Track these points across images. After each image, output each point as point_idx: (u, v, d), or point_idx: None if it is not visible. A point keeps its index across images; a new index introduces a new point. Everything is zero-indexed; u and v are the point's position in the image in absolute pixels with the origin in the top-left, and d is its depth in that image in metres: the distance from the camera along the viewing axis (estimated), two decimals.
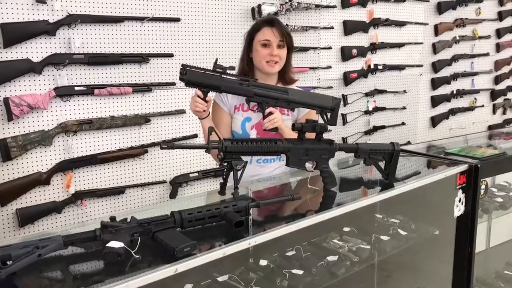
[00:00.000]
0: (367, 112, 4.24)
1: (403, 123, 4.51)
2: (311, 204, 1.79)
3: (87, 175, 2.90)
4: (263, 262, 1.73)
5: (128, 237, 1.24)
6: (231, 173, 1.59)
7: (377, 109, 4.29)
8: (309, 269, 1.79)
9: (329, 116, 2.01)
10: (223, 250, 1.30)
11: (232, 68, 1.90)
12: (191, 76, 1.84)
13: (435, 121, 4.84)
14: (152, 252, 1.25)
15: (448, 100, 4.88)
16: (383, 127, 4.35)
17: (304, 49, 3.72)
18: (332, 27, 3.85)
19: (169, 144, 1.48)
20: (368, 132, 4.28)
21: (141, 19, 2.96)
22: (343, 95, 4.05)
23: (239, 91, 1.94)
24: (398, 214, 2.21)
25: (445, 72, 4.82)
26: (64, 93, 2.73)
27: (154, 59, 3.04)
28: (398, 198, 1.90)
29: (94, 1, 2.79)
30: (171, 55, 3.09)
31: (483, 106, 5.23)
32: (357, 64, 4.11)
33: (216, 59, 1.87)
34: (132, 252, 1.20)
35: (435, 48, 4.67)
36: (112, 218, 1.29)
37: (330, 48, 3.88)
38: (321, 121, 1.89)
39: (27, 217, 2.69)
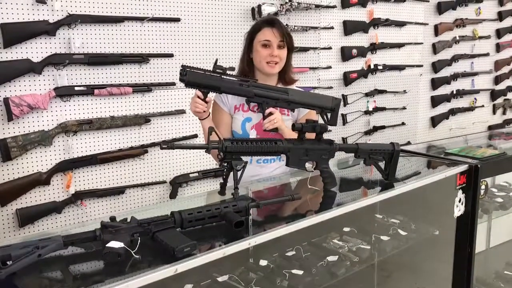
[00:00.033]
0: (367, 112, 4.24)
1: (403, 123, 4.51)
2: (311, 204, 1.79)
3: (87, 175, 2.90)
4: (263, 262, 1.73)
5: (128, 237, 1.24)
6: (231, 173, 1.59)
7: (377, 109, 4.29)
8: (309, 269, 1.79)
9: (329, 116, 2.01)
10: (223, 250, 1.30)
11: (232, 68, 1.90)
12: (191, 77, 1.84)
13: (435, 121, 4.84)
14: (152, 252, 1.25)
15: (448, 100, 4.88)
16: (383, 127, 4.35)
17: (304, 49, 3.72)
18: (332, 27, 3.86)
19: (169, 144, 1.48)
20: (368, 132, 4.28)
21: (141, 19, 2.96)
22: (343, 95, 4.05)
23: (239, 91, 1.94)
24: (398, 214, 2.21)
25: (445, 72, 4.82)
26: (64, 93, 2.73)
27: (154, 59, 3.04)
28: (398, 198, 1.90)
29: (94, 1, 2.79)
30: (171, 55, 3.09)
31: (483, 106, 5.23)
32: (357, 64, 4.11)
33: (216, 60, 1.87)
34: (132, 252, 1.20)
35: (435, 48, 4.67)
36: (112, 218, 1.29)
37: (330, 48, 3.88)
38: (321, 121, 1.89)
39: (27, 217, 2.69)
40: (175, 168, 3.23)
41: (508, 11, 5.19)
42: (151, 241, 1.28)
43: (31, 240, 1.20)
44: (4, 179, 2.63)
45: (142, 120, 3.01)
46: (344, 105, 4.07)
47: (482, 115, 5.27)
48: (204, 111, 1.96)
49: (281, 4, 3.50)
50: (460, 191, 2.17)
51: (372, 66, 4.17)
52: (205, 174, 3.30)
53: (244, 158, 1.63)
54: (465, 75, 4.96)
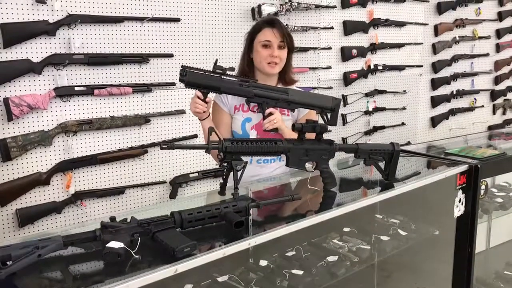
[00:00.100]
0: (367, 113, 4.24)
1: (403, 124, 4.51)
2: (311, 205, 1.79)
3: (87, 175, 2.90)
4: (263, 263, 1.73)
5: (128, 238, 1.24)
6: (231, 173, 1.59)
7: (377, 109, 4.29)
8: (309, 270, 1.79)
9: (329, 117, 2.01)
10: (223, 251, 1.30)
11: (232, 69, 1.90)
12: (191, 77, 1.84)
13: (435, 122, 4.84)
14: (152, 253, 1.25)
15: (448, 101, 4.88)
16: (383, 127, 4.35)
17: (304, 50, 3.72)
18: (332, 28, 3.85)
19: (169, 144, 1.48)
20: (368, 133, 4.28)
21: (141, 19, 2.96)
22: (343, 96, 4.05)
23: (239, 92, 1.94)
24: (398, 215, 2.21)
25: (445, 72, 4.82)
26: (64, 93, 2.73)
27: (154, 59, 3.04)
28: (398, 199, 1.90)
29: (94, 1, 2.79)
30: (171, 55, 3.09)
31: (483, 106, 5.23)
32: (357, 64, 4.11)
33: (216, 60, 1.88)
34: (132, 252, 1.20)
35: (435, 49, 4.67)
36: (112, 218, 1.29)
37: (330, 48, 3.88)
38: (321, 121, 1.89)
39: (27, 217, 2.69)
40: (175, 168, 3.23)
41: (508, 11, 5.19)
42: (151, 241, 1.28)
43: (31, 240, 1.20)
44: (4, 179, 2.63)
45: (142, 120, 3.01)
46: (344, 105, 4.07)
47: (482, 115, 5.27)
48: (204, 112, 1.96)
49: (281, 4, 3.50)
50: (460, 191, 2.17)
51: (372, 66, 4.17)
52: (205, 174, 3.29)
53: (244, 158, 1.63)
54: (465, 75, 4.96)
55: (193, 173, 3.26)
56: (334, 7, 3.81)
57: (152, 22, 3.01)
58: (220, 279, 1.63)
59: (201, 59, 3.19)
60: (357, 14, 4.04)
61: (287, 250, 1.83)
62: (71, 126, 2.78)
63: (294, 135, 1.79)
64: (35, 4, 2.61)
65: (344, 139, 4.13)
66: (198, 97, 1.91)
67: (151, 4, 2.99)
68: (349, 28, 3.98)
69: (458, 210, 2.18)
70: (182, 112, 3.17)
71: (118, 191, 2.99)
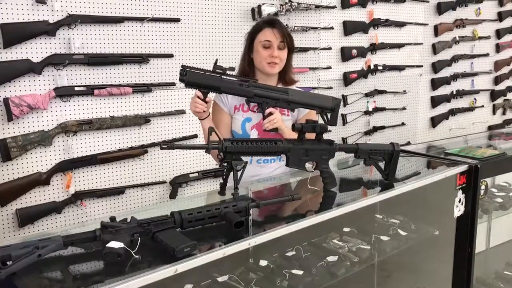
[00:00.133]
0: (367, 113, 4.24)
1: (403, 124, 4.51)
2: (311, 205, 1.79)
3: (87, 175, 2.90)
4: (263, 263, 1.73)
5: (128, 238, 1.24)
6: (231, 173, 1.59)
7: (377, 109, 4.29)
8: (309, 270, 1.79)
9: (329, 117, 2.01)
10: (223, 251, 1.30)
11: (232, 68, 1.90)
12: (191, 77, 1.84)
13: (435, 122, 4.84)
14: (152, 253, 1.25)
15: (448, 101, 4.88)
16: (383, 127, 4.35)
17: (304, 50, 3.72)
18: (332, 28, 3.86)
19: (169, 145, 1.48)
20: (368, 133, 4.28)
21: (141, 19, 2.96)
22: (343, 96, 4.05)
23: (239, 91, 1.94)
24: (398, 215, 2.21)
25: (445, 72, 4.82)
26: (64, 93, 2.73)
27: (154, 59, 3.04)
28: (398, 199, 1.90)
29: (94, 2, 2.79)
30: (171, 56, 3.09)
31: (483, 106, 5.23)
32: (357, 64, 4.11)
33: (216, 60, 1.88)
34: (132, 252, 1.20)
35: (435, 49, 4.67)
36: (112, 219, 1.29)
37: (330, 48, 3.88)
38: (321, 121, 1.89)
39: (27, 217, 2.69)
40: (175, 168, 3.23)
41: (508, 11, 5.19)
42: (151, 241, 1.28)
43: (31, 240, 1.20)
44: (4, 179, 2.63)
45: (142, 120, 3.01)
46: (344, 105, 4.07)
47: (482, 115, 5.27)
48: (204, 111, 1.97)
49: (281, 5, 3.50)
50: (460, 191, 2.17)
51: (372, 67, 4.17)
52: (205, 174, 3.29)
53: (244, 158, 1.63)
54: (465, 75, 4.96)
55: (193, 173, 3.26)
56: (334, 7, 3.81)
57: (152, 22, 3.01)
58: (220, 279, 1.63)
59: (201, 59, 3.20)
60: (357, 14, 4.04)
61: (287, 250, 1.83)
62: (71, 126, 2.78)
63: (294, 135, 1.79)
64: (35, 4, 2.61)
65: (344, 139, 4.13)
66: (198, 97, 1.91)
67: (151, 4, 2.99)
68: (349, 28, 3.98)
69: (458, 210, 2.18)
70: (182, 112, 3.17)
71: (118, 191, 3.00)
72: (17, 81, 2.61)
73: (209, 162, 3.30)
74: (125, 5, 2.90)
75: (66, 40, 2.73)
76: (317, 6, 3.70)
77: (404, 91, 4.47)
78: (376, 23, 4.12)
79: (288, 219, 1.57)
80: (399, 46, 4.34)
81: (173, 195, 3.19)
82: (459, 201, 2.17)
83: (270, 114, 1.98)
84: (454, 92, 4.92)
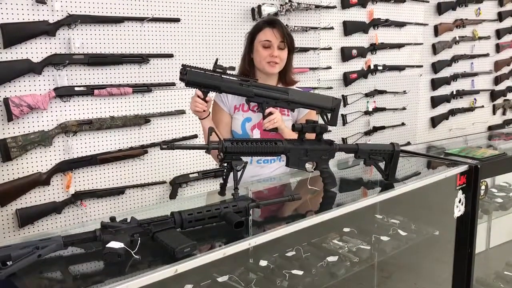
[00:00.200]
0: (367, 113, 4.24)
1: (403, 124, 4.51)
2: (311, 205, 1.79)
3: (87, 176, 2.90)
4: (263, 263, 1.73)
5: (128, 238, 1.24)
6: (231, 173, 1.59)
7: (377, 109, 4.29)
8: (309, 270, 1.79)
9: (329, 117, 2.01)
10: (223, 251, 1.30)
11: (232, 68, 1.90)
12: (191, 76, 1.84)
13: (435, 122, 4.84)
14: (152, 253, 1.25)
15: (448, 101, 4.88)
16: (383, 127, 4.35)
17: (304, 50, 3.72)
18: (332, 28, 3.86)
19: (169, 145, 1.48)
20: (368, 133, 4.28)
21: (141, 19, 2.96)
22: (343, 96, 4.05)
23: (239, 91, 1.94)
24: (398, 215, 2.21)
25: (445, 72, 4.82)
26: (64, 93, 2.73)
27: (154, 59, 3.04)
28: (398, 199, 1.90)
29: (94, 2, 2.79)
30: (171, 56, 3.09)
31: (483, 106, 5.23)
32: (357, 64, 4.11)
33: (216, 59, 1.88)
34: (132, 252, 1.20)
35: (435, 49, 4.67)
36: (112, 219, 1.29)
37: (330, 48, 3.88)
38: (321, 121, 1.89)
39: (27, 217, 2.69)
40: (175, 169, 3.23)
41: (508, 11, 5.19)
42: (151, 241, 1.28)
43: (31, 241, 1.20)
44: (4, 180, 2.63)
45: (142, 120, 3.01)
46: (344, 106, 4.07)
47: (482, 116, 5.27)
48: (204, 111, 1.96)
49: (281, 5, 3.50)
50: (460, 192, 2.17)
51: (372, 67, 4.17)
52: (205, 175, 3.29)
53: (244, 159, 1.63)
54: (465, 75, 4.96)
55: (193, 173, 3.26)
56: (334, 7, 3.81)
57: (152, 22, 3.01)
58: (220, 279, 1.63)
59: (201, 59, 3.19)
60: (357, 14, 4.04)
61: (287, 250, 1.83)
62: (71, 126, 2.78)
63: (294, 135, 1.79)
64: (35, 4, 2.61)
65: (344, 139, 4.13)
66: (198, 96, 1.91)
67: (151, 4, 2.99)
68: (349, 28, 3.98)
69: (458, 210, 2.18)
70: (182, 112, 3.17)
71: (118, 191, 3.00)
72: (17, 81, 2.61)
73: (209, 162, 3.30)
74: (125, 5, 2.90)
75: (66, 40, 2.73)
76: (317, 6, 3.70)
77: (404, 91, 4.47)
78: (376, 23, 4.12)
79: (288, 219, 1.57)
80: (399, 46, 4.34)
81: (173, 195, 3.19)
82: (459, 201, 2.17)
83: (270, 114, 1.98)
84: (454, 92, 4.92)
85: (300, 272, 1.75)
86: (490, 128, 5.28)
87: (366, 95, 4.21)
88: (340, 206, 1.68)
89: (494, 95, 5.34)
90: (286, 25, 3.26)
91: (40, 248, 1.16)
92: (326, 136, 1.79)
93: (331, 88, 3.94)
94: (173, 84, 3.10)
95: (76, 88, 2.77)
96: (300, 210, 1.68)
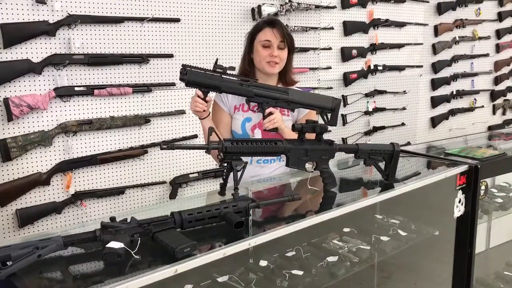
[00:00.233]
0: (367, 113, 4.24)
1: (403, 124, 4.51)
2: (311, 205, 1.79)
3: (87, 176, 2.90)
4: (263, 263, 1.73)
5: (128, 238, 1.24)
6: (231, 173, 1.59)
7: (377, 109, 4.29)
8: (309, 270, 1.79)
9: (329, 117, 2.01)
10: (223, 251, 1.30)
11: (232, 68, 1.90)
12: (191, 76, 1.84)
13: (435, 122, 4.84)
14: (152, 253, 1.25)
15: (448, 101, 4.88)
16: (383, 127, 4.35)
17: (304, 50, 3.72)
18: (332, 28, 3.86)
19: (169, 145, 1.48)
20: (368, 133, 4.28)
21: (141, 19, 2.96)
22: (343, 96, 4.05)
23: (239, 91, 1.94)
24: (398, 215, 2.21)
25: (445, 72, 4.82)
26: (64, 93, 2.73)
27: (154, 59, 3.04)
28: (398, 199, 1.90)
29: (94, 2, 2.79)
30: (171, 56, 3.09)
31: (483, 106, 5.23)
32: (357, 64, 4.11)
33: (217, 59, 1.88)
34: (132, 252, 1.20)
35: (435, 49, 4.67)
36: (112, 219, 1.29)
37: (330, 48, 3.88)
38: (321, 121, 1.89)
39: (27, 217, 2.69)
40: (175, 169, 3.23)
41: (508, 11, 5.19)
42: (151, 241, 1.28)
43: (31, 241, 1.20)
44: (4, 180, 2.63)
45: (142, 120, 3.01)
46: (344, 106, 4.07)
47: (482, 116, 5.27)
48: (204, 111, 1.96)
49: (281, 5, 3.50)
50: (460, 192, 2.17)
51: (372, 67, 4.17)
52: (205, 175, 3.29)
53: (244, 159, 1.63)
54: (465, 75, 4.96)
55: (193, 173, 3.26)
56: (334, 7, 3.81)
57: (152, 23, 3.01)
58: (220, 280, 1.63)
59: (201, 59, 3.19)
60: (357, 14, 4.04)
61: (287, 250, 1.83)
62: (71, 126, 2.78)
63: (294, 135, 1.79)
64: (35, 4, 2.61)
65: (344, 140, 4.13)
66: (199, 96, 1.91)
67: (151, 4, 2.99)
68: (349, 28, 3.98)
69: (458, 210, 2.18)
70: (182, 112, 3.17)
71: (118, 191, 3.00)
72: (17, 81, 2.61)
73: (209, 162, 3.30)
74: (125, 5, 2.90)
75: (66, 40, 2.73)
76: (317, 6, 3.70)
77: (404, 91, 4.47)
78: (376, 23, 4.12)
79: (288, 219, 1.57)
80: (399, 46, 4.34)
81: (173, 195, 3.19)
82: (459, 202, 2.17)
83: (270, 113, 1.98)
84: (454, 92, 4.92)
85: (300, 272, 1.75)
86: (490, 128, 5.28)
87: (366, 95, 4.21)
88: (340, 206, 1.68)
89: (494, 95, 5.34)
90: (286, 25, 3.26)
91: (40, 248, 1.16)
92: (326, 136, 1.79)
93: (331, 88, 3.94)
94: (173, 84, 3.10)
95: (76, 88, 2.77)
96: (300, 210, 1.68)
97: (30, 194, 2.72)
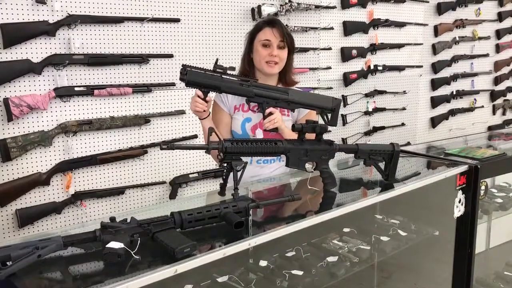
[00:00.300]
0: (367, 113, 4.24)
1: (403, 124, 4.51)
2: (311, 205, 1.79)
3: (87, 176, 2.90)
4: (263, 263, 1.73)
5: (128, 238, 1.24)
6: (231, 173, 1.59)
7: (377, 109, 4.29)
8: (309, 270, 1.79)
9: (329, 117, 2.01)
10: (223, 251, 1.30)
11: (232, 68, 1.90)
12: (191, 76, 1.84)
13: (435, 122, 4.84)
14: (152, 253, 1.25)
15: (448, 101, 4.88)
16: (383, 127, 4.35)
17: (304, 50, 3.72)
18: (332, 28, 3.86)
19: (169, 145, 1.48)
20: (368, 133, 4.28)
21: (141, 19, 2.96)
22: (343, 96, 4.05)
23: (239, 91, 1.94)
24: (398, 215, 2.21)
25: (445, 73, 4.82)
26: (64, 93, 2.73)
27: (154, 59, 3.04)
28: (398, 199, 1.90)
29: (94, 2, 2.79)
30: (171, 56, 3.09)
31: (482, 106, 5.23)
32: (357, 64, 4.11)
33: (217, 59, 1.88)
34: (132, 252, 1.20)
35: (434, 49, 4.67)
36: (112, 219, 1.29)
37: (330, 48, 3.88)
38: (321, 121, 1.89)
39: (26, 217, 2.69)
40: (175, 169, 3.23)
41: (508, 11, 5.19)
42: (151, 241, 1.28)
43: (30, 241, 1.20)
44: (4, 180, 2.63)
45: (142, 120, 3.01)
46: (344, 106, 4.07)
47: (482, 116, 5.27)
48: (204, 111, 1.96)
49: (281, 5, 3.50)
50: (460, 192, 2.17)
51: (372, 67, 4.17)
52: (205, 175, 3.29)
53: (244, 159, 1.63)
54: (464, 75, 4.97)
55: (193, 173, 3.26)
56: (334, 7, 3.81)
57: (152, 23, 3.01)
58: (220, 280, 1.63)
59: (201, 59, 3.19)
60: (357, 14, 4.04)
61: (287, 250, 1.83)
62: (71, 127, 2.78)
63: (294, 136, 1.79)
64: (35, 4, 2.61)
65: (344, 140, 4.13)
66: (199, 96, 1.91)
67: (151, 4, 2.99)
68: (349, 28, 3.98)
69: (458, 210, 2.18)
70: (182, 112, 3.17)
71: (118, 192, 3.00)
72: (17, 81, 2.61)
73: (209, 162, 3.30)
74: (125, 5, 2.90)
75: (66, 40, 2.73)
76: (317, 6, 3.70)
77: (404, 91, 4.47)
78: (376, 23, 4.12)
79: (288, 219, 1.57)
80: (399, 46, 4.34)
81: (173, 196, 3.19)
82: (459, 202, 2.17)
83: (271, 114, 1.98)
84: (454, 93, 4.92)
85: (300, 272, 1.75)
86: (490, 128, 5.28)
87: (366, 95, 4.21)
88: (340, 206, 1.68)
89: (494, 95, 5.34)
90: (286, 25, 3.26)
91: (40, 248, 1.16)
92: (326, 136, 1.79)
93: (331, 88, 3.94)
94: (173, 84, 3.10)
95: (76, 88, 2.77)
96: (300, 210, 1.68)
97: (30, 194, 2.72)
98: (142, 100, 3.03)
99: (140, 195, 3.12)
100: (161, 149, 1.48)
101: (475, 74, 5.07)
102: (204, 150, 1.57)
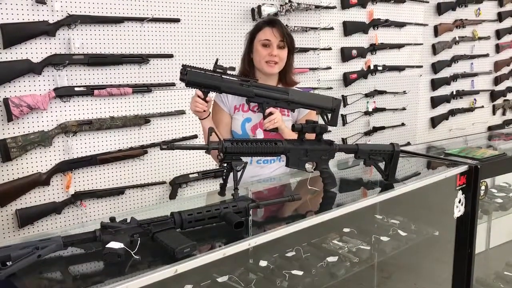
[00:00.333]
0: (367, 113, 4.24)
1: (403, 124, 4.51)
2: (311, 205, 1.79)
3: (87, 176, 2.90)
4: (263, 263, 1.73)
5: (128, 238, 1.24)
6: (231, 174, 1.59)
7: (377, 110, 4.29)
8: (309, 270, 1.79)
9: (329, 117, 2.01)
10: (223, 251, 1.30)
11: (232, 68, 1.90)
12: (191, 77, 1.84)
13: (435, 122, 4.85)
14: (152, 253, 1.25)
15: (448, 101, 4.88)
16: (383, 128, 4.35)
17: (304, 50, 3.72)
18: (332, 28, 3.86)
19: (169, 145, 1.48)
20: (368, 133, 4.28)
21: (141, 19, 2.96)
22: (343, 96, 4.05)
23: (239, 91, 1.94)
24: (398, 215, 2.21)
25: (445, 73, 4.82)
26: (64, 93, 2.73)
27: (154, 59, 3.04)
28: (398, 199, 1.90)
29: (94, 2, 2.79)
30: (171, 56, 3.09)
31: (482, 107, 5.23)
32: (357, 65, 4.11)
33: (217, 60, 1.88)
34: (132, 252, 1.20)
35: (434, 49, 4.67)
36: (112, 219, 1.29)
37: (330, 49, 3.88)
38: (321, 121, 1.89)
39: (26, 217, 2.69)
40: (175, 169, 3.23)
41: (508, 11, 5.20)
42: (151, 241, 1.28)
43: (30, 241, 1.20)
44: (4, 180, 2.63)
45: (142, 120, 3.01)
46: (344, 106, 4.07)
47: (482, 116, 5.27)
48: (204, 111, 1.96)
49: (281, 5, 3.50)
50: (460, 192, 2.17)
51: (372, 67, 4.17)
52: (205, 175, 3.29)
53: (244, 159, 1.63)
54: (464, 75, 4.97)
55: (193, 173, 3.26)
56: (334, 7, 3.81)
57: (152, 23, 3.01)
58: (220, 280, 1.63)
59: (201, 59, 3.19)
60: (357, 14, 4.04)
61: (287, 250, 1.83)
62: (71, 127, 2.78)
63: (294, 136, 1.79)
64: (35, 5, 2.61)
65: (344, 140, 4.13)
66: (199, 96, 1.91)
67: (151, 4, 2.99)
68: (349, 28, 3.98)
69: (458, 210, 2.18)
70: (182, 112, 3.17)
71: (118, 192, 2.99)
72: (17, 81, 2.61)
73: (209, 162, 3.30)
74: (125, 5, 2.90)
75: (66, 40, 2.73)
76: (317, 7, 3.70)
77: (404, 91, 4.47)
78: (376, 23, 4.12)
79: (288, 219, 1.57)
80: (399, 46, 4.34)
81: (173, 196, 3.19)
82: (459, 202, 2.17)
83: (271, 114, 1.98)
84: (454, 93, 4.92)
85: (300, 273, 1.75)
86: (490, 128, 5.28)
87: (366, 95, 4.21)
88: (340, 206, 1.68)
89: (494, 96, 5.34)
90: (286, 25, 3.26)
91: (40, 249, 1.16)
92: (326, 136, 1.79)
93: (331, 88, 3.94)
94: (173, 84, 3.10)
95: (76, 88, 2.77)
96: (300, 210, 1.68)
97: (30, 194, 2.72)
98: (142, 100, 3.03)
99: (140, 195, 3.12)
100: (161, 149, 1.48)
101: (475, 74, 5.07)
102: (204, 150, 1.57)
